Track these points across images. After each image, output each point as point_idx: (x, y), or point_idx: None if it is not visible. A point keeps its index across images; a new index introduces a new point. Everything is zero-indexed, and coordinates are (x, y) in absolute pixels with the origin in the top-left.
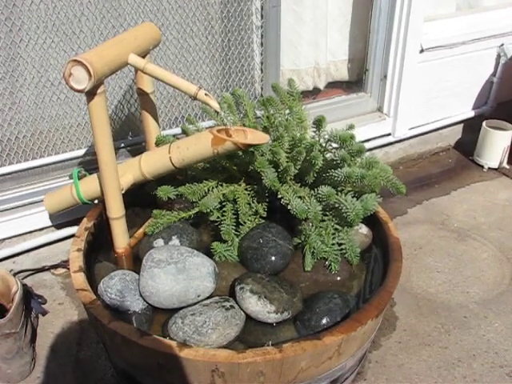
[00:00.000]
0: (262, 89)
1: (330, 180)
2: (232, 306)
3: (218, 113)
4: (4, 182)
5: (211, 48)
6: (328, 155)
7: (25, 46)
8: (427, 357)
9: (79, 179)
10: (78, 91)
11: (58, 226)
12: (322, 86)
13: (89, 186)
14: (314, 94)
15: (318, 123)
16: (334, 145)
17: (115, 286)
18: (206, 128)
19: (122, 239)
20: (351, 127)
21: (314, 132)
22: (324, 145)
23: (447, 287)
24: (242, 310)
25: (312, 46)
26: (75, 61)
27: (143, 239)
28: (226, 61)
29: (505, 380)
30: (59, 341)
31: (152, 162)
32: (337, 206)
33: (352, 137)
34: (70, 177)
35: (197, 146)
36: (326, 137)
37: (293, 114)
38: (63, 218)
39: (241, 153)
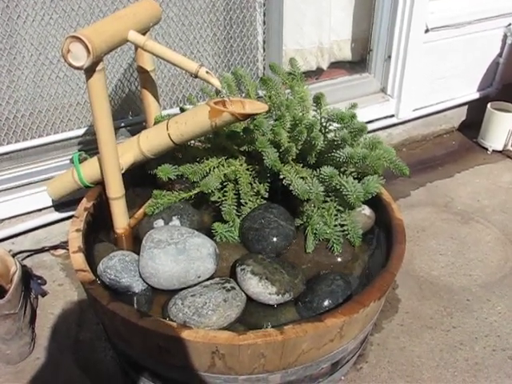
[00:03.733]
0: (264, 68)
1: (332, 161)
2: (233, 288)
3: (218, 92)
4: (2, 161)
5: (213, 26)
6: (329, 135)
7: (22, 22)
8: (429, 340)
9: (80, 163)
10: (77, 68)
11: (58, 207)
12: (325, 66)
13: (90, 169)
14: (317, 74)
15: (317, 100)
16: (336, 125)
17: (115, 266)
18: None
19: (121, 219)
20: (354, 106)
21: (315, 110)
22: (325, 124)
23: (450, 270)
24: (242, 291)
25: (315, 25)
26: (73, 37)
27: (143, 220)
28: (227, 39)
29: (507, 363)
30: (59, 322)
31: (151, 140)
32: (338, 187)
33: (353, 116)
34: (71, 161)
35: (194, 120)
36: (327, 116)
37: (294, 93)
38: (63, 199)
39: (242, 132)
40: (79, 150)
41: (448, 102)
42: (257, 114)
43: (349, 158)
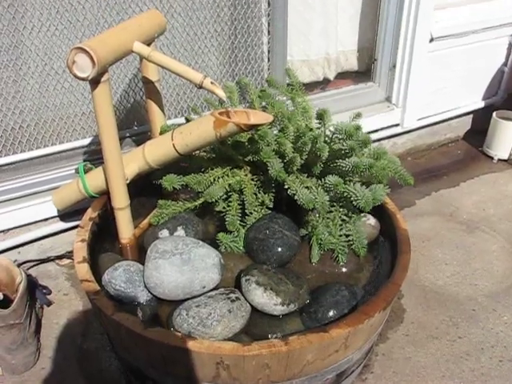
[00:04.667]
0: None
1: (337, 170)
2: (238, 298)
3: (223, 102)
4: (8, 171)
5: (218, 36)
6: (335, 145)
7: (28, 33)
8: (435, 350)
9: (85, 173)
10: (82, 79)
11: (63, 217)
12: (331, 77)
13: (95, 179)
14: (322, 84)
15: (321, 117)
16: (340, 136)
17: (119, 276)
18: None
19: (126, 229)
20: (358, 115)
21: (319, 124)
22: (331, 136)
23: (456, 280)
24: (247, 301)
25: (322, 35)
26: (79, 48)
27: (148, 230)
28: (232, 49)
29: None
30: (64, 332)
31: (156, 150)
32: (345, 194)
33: (358, 128)
34: (76, 171)
35: (199, 130)
36: (332, 129)
37: (296, 104)
38: (68, 209)
39: (246, 142)
40: (84, 160)
41: (453, 110)
42: (261, 125)
43: (355, 167)
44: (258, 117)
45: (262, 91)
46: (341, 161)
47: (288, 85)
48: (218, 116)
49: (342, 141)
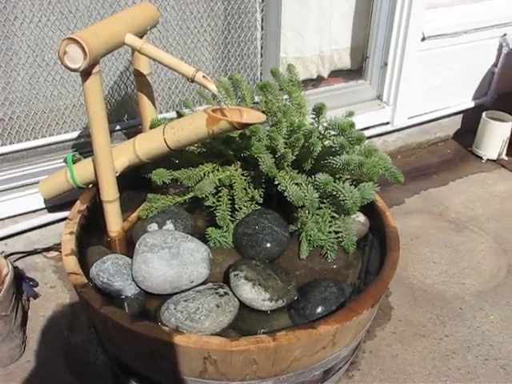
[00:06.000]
0: (261, 74)
1: (328, 167)
2: (226, 293)
3: (215, 96)
4: None
5: (211, 31)
6: (326, 142)
7: (19, 24)
8: (422, 348)
9: (74, 163)
10: (73, 70)
11: (51, 209)
12: (325, 75)
13: (84, 170)
14: (314, 81)
15: (318, 111)
16: (333, 132)
17: (107, 270)
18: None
19: (115, 223)
20: (351, 114)
21: (314, 119)
22: (323, 132)
23: (443, 278)
24: (235, 297)
25: (316, 33)
26: (70, 39)
27: (137, 223)
28: (225, 44)
29: (499, 373)
30: (50, 324)
31: (146, 144)
32: (334, 193)
33: (352, 125)
34: (65, 161)
35: (191, 127)
36: (325, 124)
37: (292, 99)
38: (56, 201)
39: (237, 138)
40: (74, 152)
41: (443, 110)
42: (254, 124)
43: (345, 164)
44: (251, 115)
45: (262, 84)
46: (332, 158)
47: (289, 80)
48: (211, 113)
49: (334, 137)
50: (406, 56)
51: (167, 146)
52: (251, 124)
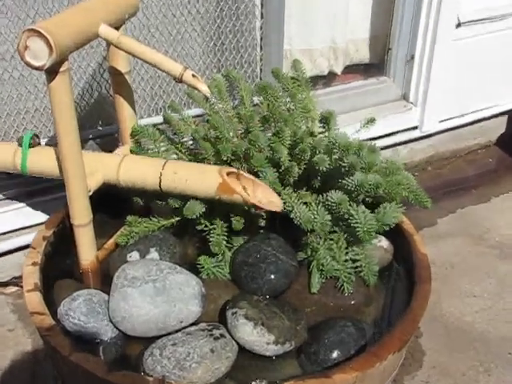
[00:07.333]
0: (261, 70)
1: (339, 186)
2: (222, 335)
3: (207, 99)
4: None
5: (201, 19)
6: (335, 155)
7: None
8: None
9: (30, 147)
10: (36, 68)
11: (9, 234)
12: (339, 70)
13: (39, 159)
14: (325, 79)
15: (326, 121)
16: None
17: (79, 308)
18: (195, 121)
19: (88, 251)
20: (371, 121)
21: (323, 128)
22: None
23: (486, 316)
24: (234, 339)
25: (328, 19)
26: (32, 30)
27: (115, 252)
28: (218, 35)
29: None
30: (9, 376)
31: (135, 172)
32: (346, 217)
33: (361, 147)
34: (19, 142)
35: (198, 184)
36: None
37: (296, 102)
38: (15, 224)
39: (234, 148)
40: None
41: (483, 111)
42: (268, 210)
43: (358, 186)
44: (266, 194)
45: (261, 86)
46: (344, 178)
47: (292, 79)
48: (226, 180)
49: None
50: (437, 47)
51: (159, 186)
52: (266, 209)
